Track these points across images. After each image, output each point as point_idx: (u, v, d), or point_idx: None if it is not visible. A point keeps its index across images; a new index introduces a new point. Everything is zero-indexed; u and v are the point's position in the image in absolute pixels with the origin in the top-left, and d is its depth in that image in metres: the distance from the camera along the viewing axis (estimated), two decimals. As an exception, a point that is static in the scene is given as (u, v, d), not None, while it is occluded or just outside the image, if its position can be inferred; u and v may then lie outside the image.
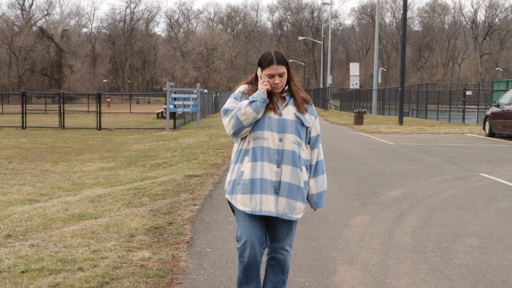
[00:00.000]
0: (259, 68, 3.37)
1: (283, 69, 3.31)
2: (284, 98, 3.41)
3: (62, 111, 24.68)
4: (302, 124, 3.36)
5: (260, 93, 3.26)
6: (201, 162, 11.28)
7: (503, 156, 13.29)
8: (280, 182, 3.29)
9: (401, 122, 26.53)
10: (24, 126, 24.18)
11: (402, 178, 9.55)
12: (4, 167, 11.23)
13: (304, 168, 3.38)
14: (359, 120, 26.55)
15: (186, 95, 23.94)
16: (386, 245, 5.40)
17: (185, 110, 24.42)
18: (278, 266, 3.52)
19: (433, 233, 5.85)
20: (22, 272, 4.35)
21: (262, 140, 3.29)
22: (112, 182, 9.01)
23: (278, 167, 3.28)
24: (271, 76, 3.29)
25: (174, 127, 23.66)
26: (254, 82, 3.44)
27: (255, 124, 3.30)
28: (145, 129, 24.39)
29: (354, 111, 27.60)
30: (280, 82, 3.31)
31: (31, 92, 50.06)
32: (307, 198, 3.45)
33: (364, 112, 32.24)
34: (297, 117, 3.34)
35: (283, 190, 3.29)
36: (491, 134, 19.48)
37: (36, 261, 4.59)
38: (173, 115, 23.92)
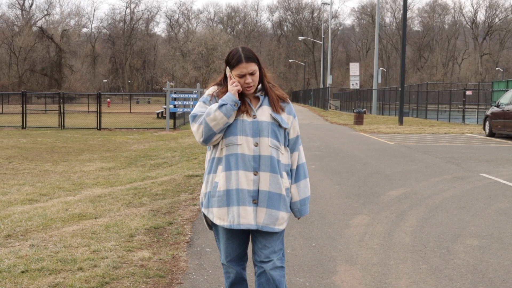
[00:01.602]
0: (227, 67, 3.07)
1: (253, 67, 3.00)
2: (257, 98, 3.10)
3: (62, 111, 24.68)
4: (279, 125, 3.06)
5: (230, 95, 2.97)
6: (201, 162, 11.29)
7: (503, 156, 13.29)
8: (258, 191, 2.99)
9: (401, 122, 26.53)
10: (24, 126, 24.18)
11: (402, 178, 9.55)
12: (4, 167, 11.23)
13: (284, 174, 3.08)
14: (359, 120, 26.55)
15: (186, 95, 23.94)
16: (386, 245, 5.40)
17: (185, 110, 24.42)
18: (269, 285, 3.08)
19: (433, 233, 5.85)
20: (22, 272, 4.36)
21: (235, 147, 2.98)
22: (112, 182, 9.01)
23: (255, 174, 2.98)
24: (242, 76, 2.99)
25: (174, 127, 23.67)
26: (223, 83, 3.14)
27: (227, 129, 3.00)
28: (145, 129, 24.39)
29: (354, 111, 27.60)
30: (252, 81, 3.01)
31: (31, 92, 50.06)
32: (290, 206, 3.14)
33: (364, 112, 32.24)
34: (273, 118, 3.04)
35: (262, 199, 2.99)
36: (491, 134, 19.48)
37: (36, 261, 4.59)
38: (173, 115, 23.92)
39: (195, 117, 3.03)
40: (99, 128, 23.65)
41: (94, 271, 4.37)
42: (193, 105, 24.02)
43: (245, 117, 3.01)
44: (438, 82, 76.88)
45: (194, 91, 24.53)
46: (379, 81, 41.79)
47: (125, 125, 26.49)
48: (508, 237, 5.74)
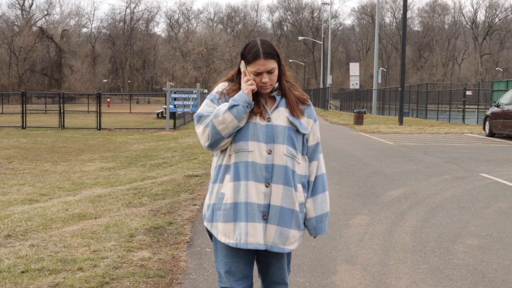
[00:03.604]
0: (242, 61, 2.67)
1: (273, 64, 2.63)
2: (273, 98, 2.72)
3: (62, 111, 24.68)
4: (297, 130, 2.69)
5: (243, 94, 2.59)
6: (201, 162, 11.29)
7: (503, 156, 13.29)
8: (269, 205, 2.63)
9: (401, 122, 26.54)
10: (24, 126, 24.17)
11: (402, 178, 9.55)
12: (4, 167, 11.23)
13: (299, 187, 2.71)
14: (359, 120, 26.56)
15: (186, 95, 23.93)
16: (386, 245, 5.40)
17: (185, 110, 24.42)
18: None
19: (433, 233, 5.85)
20: (22, 272, 4.36)
21: (246, 154, 2.61)
22: (112, 182, 9.01)
23: (267, 186, 2.62)
24: (258, 74, 2.62)
25: (174, 127, 23.66)
26: (235, 79, 2.74)
27: (237, 133, 2.62)
28: (145, 129, 24.39)
29: (354, 111, 27.61)
30: (270, 80, 2.64)
31: (31, 92, 50.06)
32: (305, 223, 2.78)
33: (364, 112, 32.24)
34: (291, 122, 2.67)
35: (272, 215, 2.63)
36: (491, 134, 19.48)
37: (36, 261, 4.59)
38: (173, 115, 23.92)
39: (200, 117, 2.65)
40: (99, 128, 23.64)
41: (94, 271, 4.37)
42: (193, 105, 23.98)
43: (258, 120, 2.63)
44: (438, 82, 76.90)
45: (194, 91, 24.52)
46: (379, 81, 41.82)
47: (125, 125, 26.49)
48: (508, 237, 5.74)
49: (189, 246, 5.24)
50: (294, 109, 2.69)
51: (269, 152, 2.62)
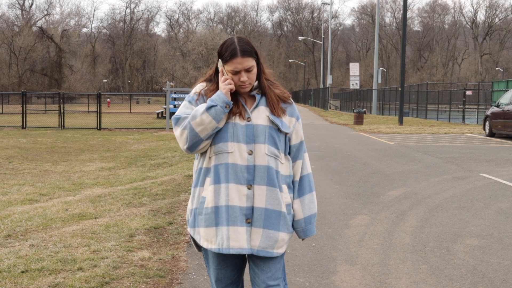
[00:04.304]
0: (219, 60, 2.57)
1: (251, 62, 2.53)
2: (253, 97, 2.62)
3: (62, 111, 24.68)
4: (279, 129, 2.58)
5: (221, 94, 2.50)
6: (201, 162, 11.28)
7: (503, 156, 13.29)
8: (252, 208, 2.52)
9: (401, 122, 26.55)
10: (24, 126, 24.18)
11: (402, 178, 9.55)
12: (4, 167, 11.23)
13: (285, 187, 2.61)
14: (359, 120, 26.56)
15: (186, 95, 23.95)
16: (386, 245, 5.40)
17: (185, 110, 24.40)
18: None
19: (433, 233, 5.85)
20: (22, 272, 4.36)
21: (226, 155, 2.51)
22: (112, 182, 9.01)
23: (249, 188, 2.52)
24: (236, 73, 2.52)
25: (174, 127, 23.65)
26: (213, 79, 2.65)
27: (216, 135, 2.53)
28: (145, 129, 24.39)
29: (354, 111, 27.61)
30: (248, 79, 2.54)
31: (31, 92, 50.06)
32: (293, 226, 2.68)
33: (364, 112, 32.25)
34: (271, 121, 2.56)
35: (257, 218, 2.52)
36: (491, 134, 19.48)
37: (36, 261, 4.59)
38: (173, 115, 23.91)
39: (178, 119, 2.56)
40: (99, 128, 23.65)
41: (94, 271, 4.37)
42: (193, 105, 24.01)
43: (237, 120, 2.54)
44: (438, 82, 76.90)
45: (194, 91, 24.52)
46: (379, 81, 41.81)
47: (125, 125, 26.49)
48: (508, 237, 5.74)
49: (189, 246, 5.24)
50: (275, 108, 2.59)
51: (250, 153, 2.52)
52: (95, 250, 4.95)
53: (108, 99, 62.96)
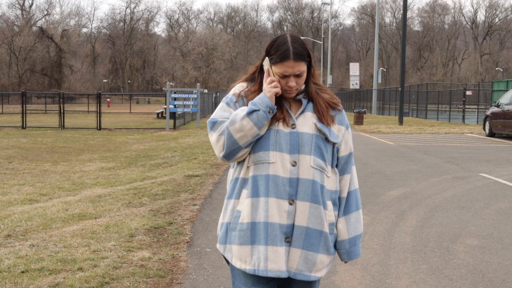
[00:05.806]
0: (266, 58, 2.28)
1: (302, 67, 2.24)
2: (299, 102, 2.33)
3: (62, 111, 24.68)
4: (326, 139, 2.29)
5: (265, 97, 2.21)
6: (201, 162, 11.28)
7: (503, 156, 13.29)
8: (293, 226, 2.24)
9: (401, 122, 26.55)
10: (24, 126, 24.17)
11: (402, 178, 9.55)
12: (4, 167, 11.23)
13: (329, 204, 2.31)
14: (359, 120, 26.57)
15: (186, 95, 23.94)
16: (386, 245, 5.40)
17: (185, 110, 24.42)
18: None
19: (433, 233, 5.85)
20: (22, 272, 4.36)
21: (266, 166, 2.23)
22: (112, 182, 9.01)
23: (290, 204, 2.23)
24: (284, 76, 2.23)
25: (174, 127, 23.66)
26: (256, 78, 2.35)
27: (257, 142, 2.25)
28: (145, 129, 24.39)
29: (354, 111, 27.62)
30: (297, 84, 2.25)
31: (31, 92, 50.07)
32: (335, 246, 2.39)
33: (364, 112, 32.25)
34: (319, 130, 2.27)
35: (297, 238, 2.24)
36: (491, 134, 19.48)
37: (36, 261, 4.59)
38: (173, 115, 23.92)
39: (214, 123, 2.27)
40: (99, 128, 23.64)
41: (94, 271, 4.37)
42: (193, 105, 23.97)
43: (281, 126, 2.24)
44: (438, 82, 76.90)
45: (194, 91, 24.53)
46: (379, 81, 41.84)
47: (125, 125, 26.49)
48: (508, 237, 5.74)
49: (189, 246, 5.24)
50: (324, 115, 2.30)
51: (294, 164, 2.24)
52: (95, 250, 4.95)
53: (108, 99, 62.96)
